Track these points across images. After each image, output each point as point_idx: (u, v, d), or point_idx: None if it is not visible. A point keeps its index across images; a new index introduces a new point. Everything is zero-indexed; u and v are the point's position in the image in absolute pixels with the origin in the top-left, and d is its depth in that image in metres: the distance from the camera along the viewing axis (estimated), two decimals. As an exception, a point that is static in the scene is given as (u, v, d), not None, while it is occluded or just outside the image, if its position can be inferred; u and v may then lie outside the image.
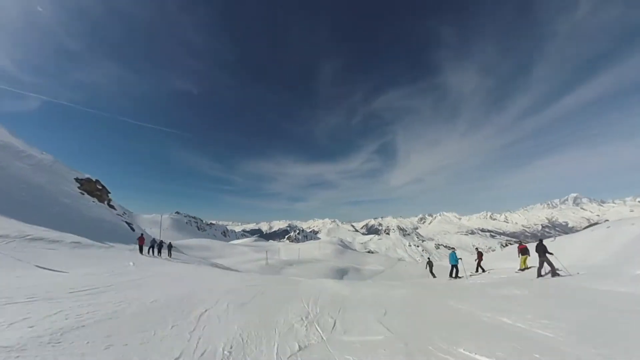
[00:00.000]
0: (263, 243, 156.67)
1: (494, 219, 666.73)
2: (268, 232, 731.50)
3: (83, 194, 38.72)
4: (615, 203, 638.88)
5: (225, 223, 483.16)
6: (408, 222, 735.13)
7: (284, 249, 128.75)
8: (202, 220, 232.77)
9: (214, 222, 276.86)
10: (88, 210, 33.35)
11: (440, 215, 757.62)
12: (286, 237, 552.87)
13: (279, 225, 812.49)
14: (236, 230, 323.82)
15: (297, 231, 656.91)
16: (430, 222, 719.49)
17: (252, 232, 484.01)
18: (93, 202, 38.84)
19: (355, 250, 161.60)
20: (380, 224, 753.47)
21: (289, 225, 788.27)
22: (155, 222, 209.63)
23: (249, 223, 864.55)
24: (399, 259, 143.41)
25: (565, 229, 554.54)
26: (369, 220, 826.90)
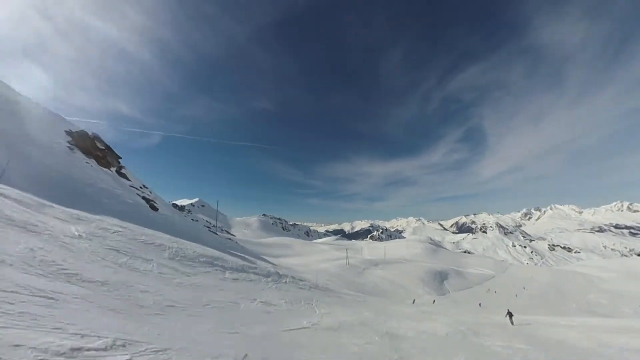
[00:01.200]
0: (345, 242, 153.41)
1: (636, 211, 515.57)
2: (350, 232, 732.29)
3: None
4: None
5: (309, 224, 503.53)
6: (508, 219, 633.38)
7: (368, 248, 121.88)
8: (286, 221, 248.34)
9: (298, 223, 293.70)
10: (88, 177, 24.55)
11: (551, 209, 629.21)
12: (369, 236, 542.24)
13: (361, 225, 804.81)
14: (319, 231, 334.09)
15: (380, 230, 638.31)
16: (539, 218, 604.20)
17: (335, 233, 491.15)
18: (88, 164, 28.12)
19: (447, 250, 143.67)
20: (473, 222, 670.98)
21: (372, 225, 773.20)
22: (246, 223, 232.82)
23: (331, 224, 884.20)
24: (510, 263, 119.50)
25: None
26: (459, 217, 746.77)
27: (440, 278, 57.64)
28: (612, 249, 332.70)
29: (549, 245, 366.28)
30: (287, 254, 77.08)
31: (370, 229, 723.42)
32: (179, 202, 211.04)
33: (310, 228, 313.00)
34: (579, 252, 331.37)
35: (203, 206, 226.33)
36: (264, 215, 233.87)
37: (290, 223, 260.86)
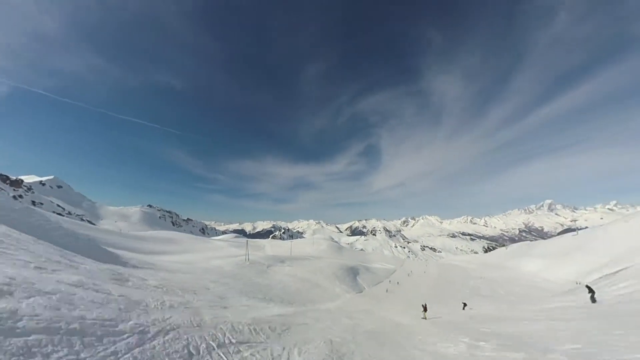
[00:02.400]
0: (245, 239, 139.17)
1: (474, 223, 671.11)
2: (252, 232, 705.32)
3: None
4: (586, 210, 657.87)
5: (207, 223, 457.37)
6: (392, 225, 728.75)
7: (270, 245, 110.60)
8: (178, 216, 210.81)
9: (192, 219, 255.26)
10: None
11: (422, 218, 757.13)
12: (270, 236, 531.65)
13: (263, 225, 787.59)
14: (218, 229, 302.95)
15: (282, 231, 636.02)
16: (413, 225, 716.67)
17: (236, 232, 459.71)
18: None
19: (348, 248, 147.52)
20: (364, 226, 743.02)
21: (274, 226, 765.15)
22: (123, 214, 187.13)
23: (231, 223, 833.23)
24: (414, 253, 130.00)
25: (541, 234, 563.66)
26: (353, 222, 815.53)
27: (352, 274, 52.00)
28: (460, 249, 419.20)
29: (420, 246, 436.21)
30: (171, 251, 59.48)
31: (272, 229, 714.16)
32: (27, 179, 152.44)
33: (208, 225, 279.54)
34: (440, 252, 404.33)
35: (60, 187, 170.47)
36: (149, 206, 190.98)
37: (184, 218, 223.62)
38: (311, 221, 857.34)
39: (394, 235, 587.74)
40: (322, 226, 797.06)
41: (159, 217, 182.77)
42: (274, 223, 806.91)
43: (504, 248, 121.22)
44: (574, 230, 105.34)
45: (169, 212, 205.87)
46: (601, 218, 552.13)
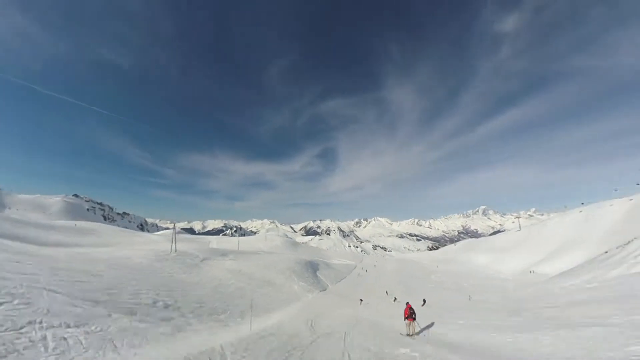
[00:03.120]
0: (190, 236, 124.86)
1: (420, 225, 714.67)
2: (201, 231, 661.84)
3: None
4: (512, 215, 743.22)
5: (151, 220, 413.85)
6: (345, 225, 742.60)
7: (217, 241, 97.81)
8: (112, 209, 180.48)
9: (129, 212, 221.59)
10: None
11: (374, 219, 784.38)
12: (221, 234, 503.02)
13: (214, 224, 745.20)
14: (161, 226, 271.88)
15: (234, 229, 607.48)
16: (365, 226, 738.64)
17: (183, 231, 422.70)
18: None
19: (304, 244, 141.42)
20: (319, 226, 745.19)
21: (225, 225, 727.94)
22: (38, 204, 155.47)
23: (180, 222, 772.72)
24: (367, 252, 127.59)
25: (476, 235, 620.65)
26: (308, 222, 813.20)
27: (312, 269, 45.81)
28: (408, 249, 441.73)
29: (372, 245, 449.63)
30: (85, 243, 47.41)
31: (224, 228, 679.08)
32: None
33: (149, 221, 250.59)
34: (390, 251, 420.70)
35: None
36: (75, 196, 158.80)
37: (119, 212, 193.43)
38: (265, 220, 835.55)
39: (348, 235, 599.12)
40: (276, 226, 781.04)
41: (87, 209, 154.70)
42: (226, 222, 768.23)
43: (452, 245, 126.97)
44: (502, 231, 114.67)
45: (101, 204, 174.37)
46: (514, 222, 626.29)
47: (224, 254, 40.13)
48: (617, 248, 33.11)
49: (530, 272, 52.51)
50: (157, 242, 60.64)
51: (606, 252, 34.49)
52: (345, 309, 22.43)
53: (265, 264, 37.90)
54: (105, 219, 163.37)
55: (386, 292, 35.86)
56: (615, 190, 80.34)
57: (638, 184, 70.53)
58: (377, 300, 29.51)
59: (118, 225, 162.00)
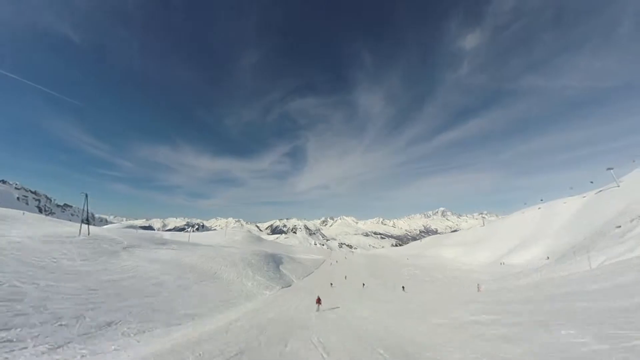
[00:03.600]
0: (141, 231, 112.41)
1: (385, 224, 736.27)
2: (161, 229, 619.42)
3: None
4: (467, 216, 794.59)
5: (105, 216, 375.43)
6: (312, 224, 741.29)
7: (170, 236, 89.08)
8: (50, 200, 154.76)
9: (73, 205, 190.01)
10: None
11: (340, 218, 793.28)
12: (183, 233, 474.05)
13: (175, 222, 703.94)
14: (111, 221, 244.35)
15: (197, 227, 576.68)
16: (332, 225, 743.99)
17: (141, 229, 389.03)
18: None
19: (269, 240, 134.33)
20: (285, 225, 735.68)
21: (187, 223, 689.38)
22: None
23: (137, 219, 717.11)
24: (332, 250, 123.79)
25: (435, 234, 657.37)
26: (274, 221, 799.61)
27: (274, 262, 40.31)
28: (373, 247, 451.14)
29: (338, 243, 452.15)
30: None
31: (186, 226, 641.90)
32: None
33: (99, 216, 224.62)
34: (356, 249, 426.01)
35: None
36: (2, 182, 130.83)
37: (59, 203, 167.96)
38: (230, 219, 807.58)
39: (314, 234, 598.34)
40: (241, 224, 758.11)
41: (18, 197, 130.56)
42: (189, 220, 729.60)
43: (418, 241, 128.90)
44: (458, 231, 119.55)
45: (35, 193, 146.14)
46: (470, 222, 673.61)
47: (163, 242, 33.24)
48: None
49: (501, 263, 52.29)
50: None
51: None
52: (311, 311, 17.51)
53: (214, 255, 31.63)
54: (40, 210, 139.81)
55: (363, 284, 31.75)
56: (571, 189, 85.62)
57: (591, 182, 74.95)
58: (352, 295, 25.25)
59: (57, 218, 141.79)
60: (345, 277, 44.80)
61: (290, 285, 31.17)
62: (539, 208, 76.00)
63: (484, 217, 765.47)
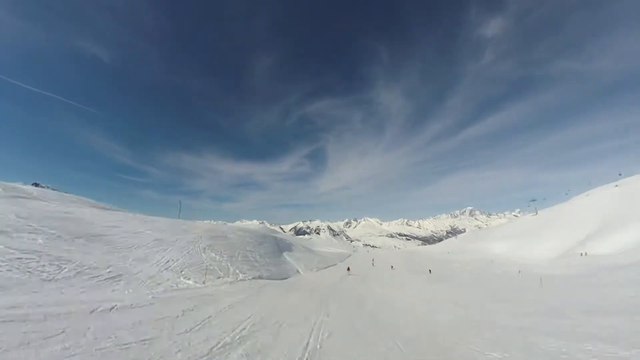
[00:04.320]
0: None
1: (409, 225, 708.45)
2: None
3: None
4: (497, 215, 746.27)
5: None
6: (335, 226, 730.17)
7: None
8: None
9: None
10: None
11: (364, 220, 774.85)
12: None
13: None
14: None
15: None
16: (355, 227, 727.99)
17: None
18: None
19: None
20: (308, 227, 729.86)
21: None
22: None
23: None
24: (357, 249, 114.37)
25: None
26: (297, 222, 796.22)
27: (277, 247, 31.73)
28: (398, 248, 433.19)
29: (363, 244, 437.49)
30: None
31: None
32: None
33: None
34: (380, 248, 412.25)
35: None
36: (35, 185, 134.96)
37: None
38: (255, 221, 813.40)
39: (338, 234, 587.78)
40: (266, 226, 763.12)
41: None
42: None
43: (453, 238, 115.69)
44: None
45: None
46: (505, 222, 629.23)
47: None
48: None
49: (583, 254, 39.99)
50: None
51: None
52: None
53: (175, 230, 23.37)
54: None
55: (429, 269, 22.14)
56: (620, 175, 70.10)
57: None
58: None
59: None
60: (392, 266, 37.68)
61: (287, 278, 22.35)
62: (616, 186, 61.74)
63: (516, 216, 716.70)
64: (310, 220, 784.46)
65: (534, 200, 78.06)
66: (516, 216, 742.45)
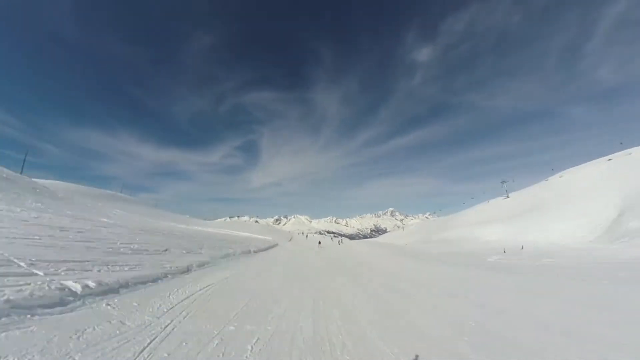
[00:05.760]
0: None
1: (338, 223, 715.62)
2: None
3: None
4: (413, 217, 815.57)
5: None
6: (264, 222, 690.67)
7: None
8: None
9: None
10: None
11: (294, 217, 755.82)
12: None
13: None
14: None
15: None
16: (285, 224, 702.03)
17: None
18: None
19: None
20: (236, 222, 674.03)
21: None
22: None
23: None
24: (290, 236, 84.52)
25: (385, 233, 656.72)
26: (224, 218, 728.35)
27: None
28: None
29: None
30: None
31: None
32: None
33: None
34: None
35: None
36: None
37: None
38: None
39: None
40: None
41: None
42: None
43: (400, 230, 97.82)
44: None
45: None
46: (417, 221, 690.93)
47: None
48: None
49: None
50: None
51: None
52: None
53: None
54: None
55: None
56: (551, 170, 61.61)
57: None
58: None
59: None
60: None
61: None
62: (610, 159, 47.28)
63: (427, 218, 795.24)
64: (238, 217, 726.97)
65: (504, 182, 59.33)
66: (427, 218, 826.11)
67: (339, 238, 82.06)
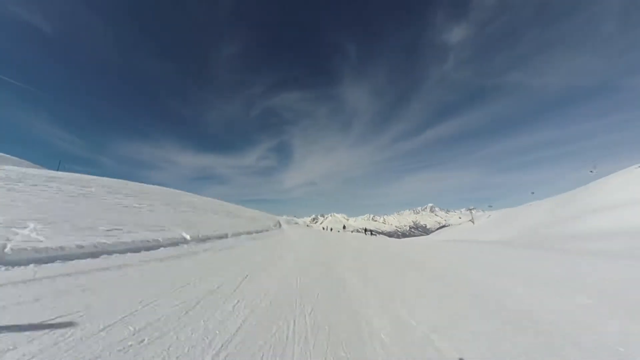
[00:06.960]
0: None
1: (375, 221, 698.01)
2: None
3: None
4: (454, 212, 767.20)
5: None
6: (302, 222, 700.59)
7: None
8: None
9: None
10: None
11: (331, 215, 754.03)
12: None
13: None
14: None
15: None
16: (322, 222, 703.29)
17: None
18: None
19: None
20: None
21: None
22: None
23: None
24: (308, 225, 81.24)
25: (425, 230, 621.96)
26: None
27: None
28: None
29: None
30: None
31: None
32: None
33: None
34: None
35: None
36: None
37: None
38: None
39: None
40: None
41: None
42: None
43: (470, 222, 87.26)
44: (447, 226, 77.97)
45: None
46: (459, 217, 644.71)
47: None
48: None
49: None
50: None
51: None
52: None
53: None
54: None
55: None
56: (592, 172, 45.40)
57: None
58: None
59: None
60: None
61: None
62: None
63: (471, 212, 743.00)
64: (277, 216, 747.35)
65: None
66: (471, 212, 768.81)
67: (374, 235, 74.07)
